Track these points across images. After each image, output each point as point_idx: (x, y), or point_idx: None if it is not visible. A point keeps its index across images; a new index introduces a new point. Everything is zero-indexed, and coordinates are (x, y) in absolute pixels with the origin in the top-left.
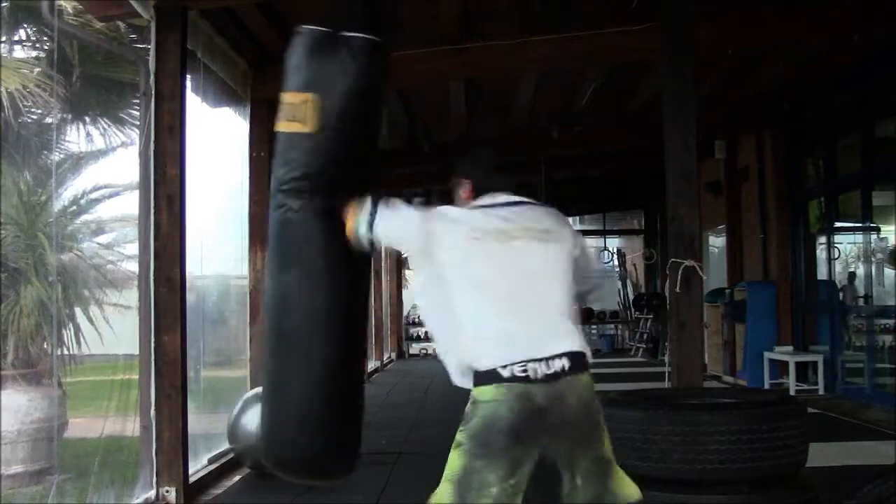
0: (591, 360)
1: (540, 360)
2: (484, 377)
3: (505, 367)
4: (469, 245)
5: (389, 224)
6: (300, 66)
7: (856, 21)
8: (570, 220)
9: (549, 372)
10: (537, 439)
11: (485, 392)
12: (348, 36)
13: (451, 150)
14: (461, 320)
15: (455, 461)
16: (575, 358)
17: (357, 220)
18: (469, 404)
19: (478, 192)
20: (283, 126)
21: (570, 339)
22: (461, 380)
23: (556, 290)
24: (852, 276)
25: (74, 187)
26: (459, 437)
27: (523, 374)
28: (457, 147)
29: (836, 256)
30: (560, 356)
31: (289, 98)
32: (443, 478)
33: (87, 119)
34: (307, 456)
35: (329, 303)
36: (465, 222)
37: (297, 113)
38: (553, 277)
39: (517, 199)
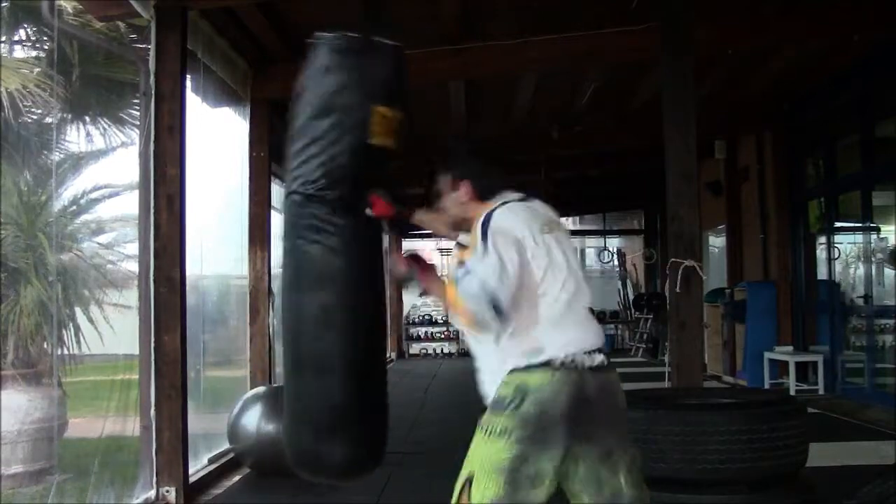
0: None
1: (585, 352)
2: (536, 364)
3: (558, 355)
4: (537, 241)
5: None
6: (391, 80)
7: (856, 21)
8: (571, 219)
9: (593, 364)
10: (584, 430)
11: (535, 378)
12: (400, 49)
13: (451, 150)
14: (519, 312)
15: (500, 451)
16: (606, 354)
17: (466, 308)
18: (511, 390)
19: (483, 193)
20: (384, 140)
21: (601, 335)
22: (495, 378)
23: (587, 285)
24: (849, 276)
25: (74, 187)
26: (503, 423)
27: (573, 364)
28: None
29: (836, 256)
30: (598, 350)
31: (388, 112)
32: (479, 470)
33: (87, 119)
34: (339, 463)
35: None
36: (524, 221)
37: (392, 128)
38: (581, 271)
39: (526, 194)
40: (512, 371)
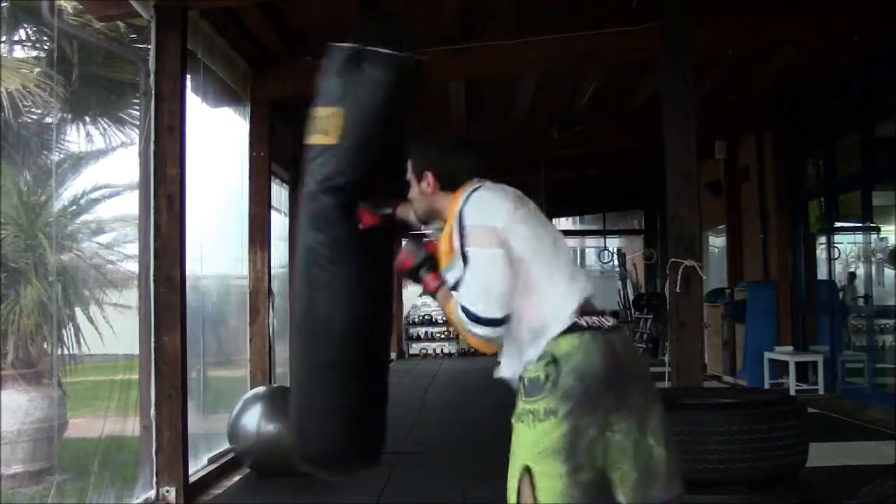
0: None
1: (599, 313)
2: (564, 330)
3: (581, 316)
4: (517, 220)
5: (487, 285)
6: (328, 82)
7: (856, 21)
8: (571, 219)
9: (610, 324)
10: (621, 392)
11: (566, 344)
12: (374, 51)
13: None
14: (530, 286)
15: (550, 431)
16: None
17: (460, 315)
18: (541, 369)
19: (447, 181)
20: (311, 139)
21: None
22: (518, 361)
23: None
24: (852, 276)
25: (74, 187)
26: (545, 404)
27: (598, 324)
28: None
29: (836, 256)
30: (605, 312)
31: (317, 112)
32: (534, 459)
33: (87, 119)
34: (338, 452)
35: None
36: (500, 203)
37: (322, 126)
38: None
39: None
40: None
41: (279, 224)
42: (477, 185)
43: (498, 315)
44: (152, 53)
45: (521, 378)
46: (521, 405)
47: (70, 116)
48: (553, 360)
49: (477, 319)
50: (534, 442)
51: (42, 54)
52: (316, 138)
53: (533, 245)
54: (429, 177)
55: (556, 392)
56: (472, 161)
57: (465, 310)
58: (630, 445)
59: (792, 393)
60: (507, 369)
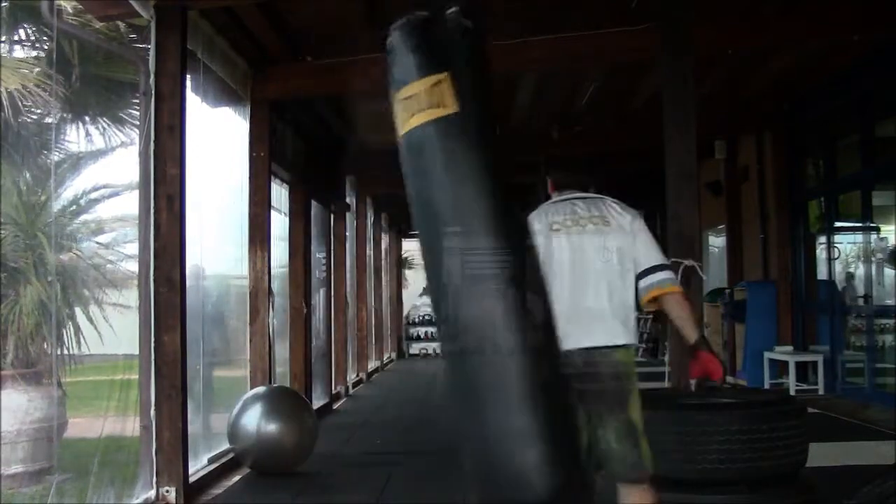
0: (635, 347)
1: (585, 348)
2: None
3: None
4: (548, 235)
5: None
6: (413, 57)
7: (856, 21)
8: None
9: (587, 346)
10: (581, 398)
11: None
12: (451, 5)
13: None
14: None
15: None
16: (612, 344)
17: None
18: None
19: (556, 186)
20: (418, 118)
21: (614, 334)
22: None
23: (615, 279)
24: (850, 275)
25: (74, 187)
26: None
27: (572, 352)
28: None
29: (836, 256)
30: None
31: (411, 90)
32: None
33: (87, 119)
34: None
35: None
36: (544, 216)
37: (429, 99)
38: (611, 266)
39: (585, 194)
40: None
41: (279, 224)
42: (556, 199)
43: None
44: (152, 53)
45: None
46: None
47: (70, 116)
48: None
49: None
50: None
51: (42, 54)
52: (423, 116)
53: (549, 266)
54: (549, 183)
55: None
56: (566, 177)
57: None
58: (593, 430)
59: (792, 393)
60: None
